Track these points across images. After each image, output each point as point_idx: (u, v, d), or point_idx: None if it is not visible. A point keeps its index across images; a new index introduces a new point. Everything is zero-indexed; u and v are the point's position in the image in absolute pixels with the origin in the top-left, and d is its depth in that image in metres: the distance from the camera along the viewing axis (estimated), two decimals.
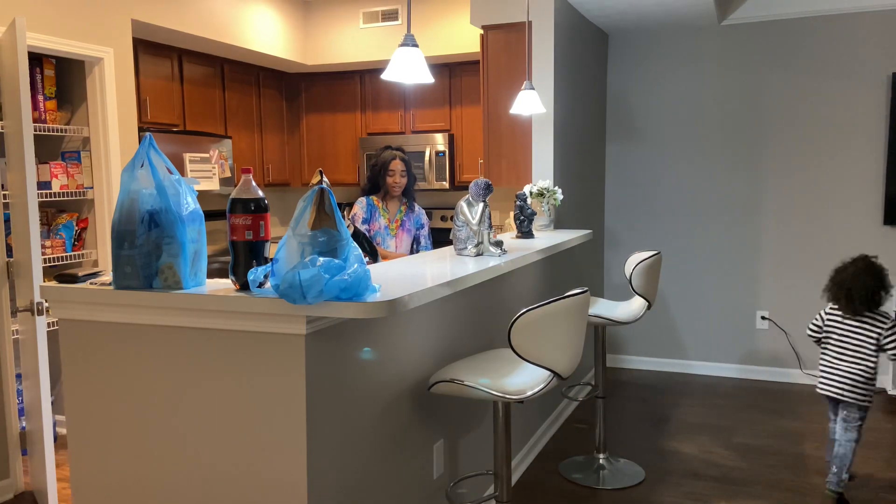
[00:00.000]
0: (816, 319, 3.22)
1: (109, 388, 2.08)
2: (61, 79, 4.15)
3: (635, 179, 5.43)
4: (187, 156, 4.99)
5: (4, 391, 3.40)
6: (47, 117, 4.00)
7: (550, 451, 3.91)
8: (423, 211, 4.13)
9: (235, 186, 1.93)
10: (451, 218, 5.03)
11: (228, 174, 5.36)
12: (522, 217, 3.80)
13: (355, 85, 6.26)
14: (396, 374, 2.38)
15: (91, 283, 2.07)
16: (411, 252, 4.02)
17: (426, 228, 4.10)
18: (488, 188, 2.98)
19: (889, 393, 4.69)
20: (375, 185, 4.01)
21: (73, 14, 3.93)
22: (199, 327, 1.95)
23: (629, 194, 5.46)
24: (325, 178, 1.89)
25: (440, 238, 5.50)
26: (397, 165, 3.94)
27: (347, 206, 4.05)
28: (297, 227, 1.84)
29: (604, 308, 3.47)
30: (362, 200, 4.00)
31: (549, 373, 2.29)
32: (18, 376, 3.65)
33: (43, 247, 3.90)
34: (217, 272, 4.79)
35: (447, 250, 3.21)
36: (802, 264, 5.05)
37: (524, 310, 2.24)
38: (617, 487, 3.46)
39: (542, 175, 4.30)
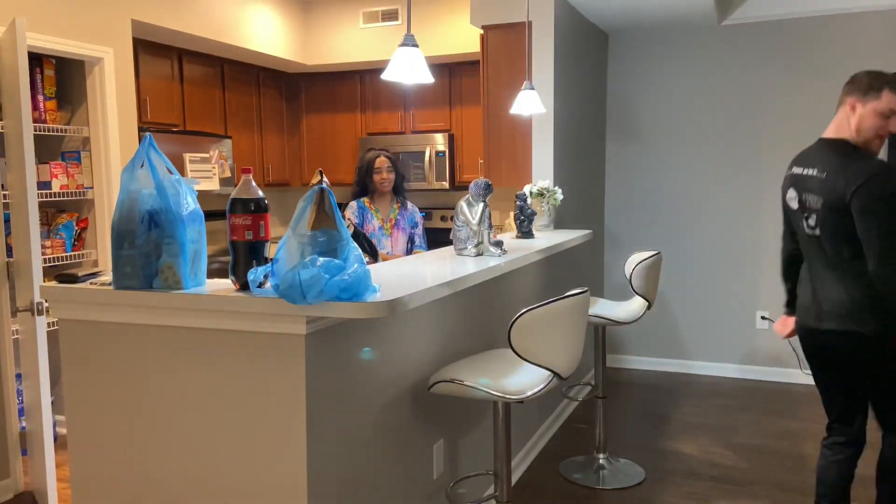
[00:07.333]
0: None
1: (109, 388, 2.08)
2: (61, 79, 4.15)
3: (635, 179, 5.43)
4: (187, 156, 4.99)
5: (4, 391, 3.40)
6: (47, 117, 4.00)
7: (550, 451, 3.91)
8: (417, 209, 4.12)
9: (235, 186, 1.93)
10: (451, 218, 5.03)
11: (228, 174, 5.36)
12: (522, 217, 3.80)
13: (355, 85, 6.25)
14: (396, 374, 2.38)
15: (91, 283, 2.07)
16: (407, 252, 4.01)
17: (420, 227, 4.08)
18: (488, 188, 2.98)
19: None
20: (363, 186, 3.99)
21: (73, 14, 3.92)
22: (199, 327, 1.95)
23: (629, 194, 5.46)
24: (325, 178, 1.89)
25: (440, 238, 5.49)
26: (383, 163, 3.94)
27: (347, 206, 4.05)
28: (297, 227, 1.84)
29: (604, 308, 3.47)
30: (353, 205, 3.97)
31: (549, 373, 2.28)
32: (18, 376, 3.64)
33: (43, 247, 3.90)
34: (217, 272, 4.76)
35: (447, 250, 3.20)
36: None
37: (524, 310, 2.23)
38: (617, 487, 3.46)
39: (542, 175, 4.30)
